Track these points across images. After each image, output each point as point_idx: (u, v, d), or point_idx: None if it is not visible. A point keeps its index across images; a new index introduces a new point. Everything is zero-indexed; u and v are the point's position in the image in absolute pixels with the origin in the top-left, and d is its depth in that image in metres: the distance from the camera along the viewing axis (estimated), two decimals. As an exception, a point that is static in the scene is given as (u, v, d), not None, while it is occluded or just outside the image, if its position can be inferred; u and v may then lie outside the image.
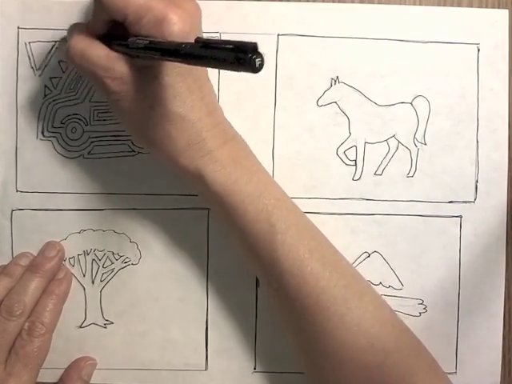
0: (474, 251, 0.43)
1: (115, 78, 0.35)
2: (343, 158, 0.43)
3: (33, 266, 0.41)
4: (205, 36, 0.42)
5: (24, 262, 0.41)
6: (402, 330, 0.38)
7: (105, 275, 0.43)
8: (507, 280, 0.43)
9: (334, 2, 0.43)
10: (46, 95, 0.42)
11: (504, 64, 0.43)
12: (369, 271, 0.42)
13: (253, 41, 0.26)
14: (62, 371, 0.42)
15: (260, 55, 0.26)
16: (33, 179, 0.43)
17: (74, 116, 0.43)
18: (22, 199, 0.43)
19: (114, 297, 0.43)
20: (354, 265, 0.43)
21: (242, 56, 0.26)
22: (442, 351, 0.42)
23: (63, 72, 0.42)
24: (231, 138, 0.38)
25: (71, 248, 0.43)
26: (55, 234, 0.43)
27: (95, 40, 0.36)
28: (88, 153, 0.43)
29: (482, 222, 0.43)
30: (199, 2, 0.42)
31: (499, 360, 0.43)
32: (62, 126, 0.43)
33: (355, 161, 0.43)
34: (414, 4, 0.43)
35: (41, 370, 0.40)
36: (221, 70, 0.42)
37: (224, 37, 0.42)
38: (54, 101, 0.42)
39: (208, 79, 0.38)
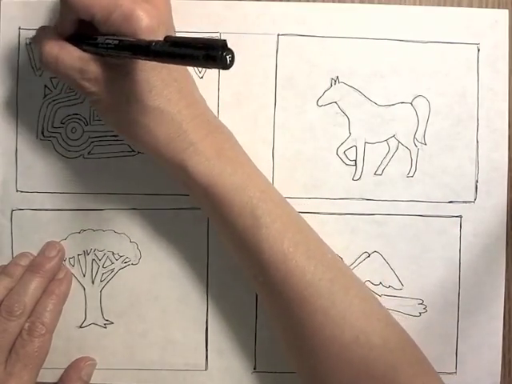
0: (474, 251, 0.43)
1: (90, 79, 0.35)
2: (343, 158, 0.43)
3: (33, 266, 0.41)
4: (205, 36, 0.42)
5: (24, 261, 0.41)
6: (388, 324, 0.37)
7: (105, 275, 0.43)
8: (507, 280, 0.43)
9: (334, 1, 0.43)
10: (46, 95, 0.42)
11: (504, 64, 0.43)
12: (369, 271, 0.42)
13: (222, 38, 0.26)
14: (61, 371, 0.42)
15: (230, 51, 0.26)
16: (33, 179, 0.43)
17: (74, 116, 0.43)
18: (22, 199, 0.43)
19: (114, 297, 0.43)
20: (354, 265, 0.43)
21: (212, 53, 0.26)
22: (442, 351, 0.42)
23: (63, 72, 0.42)
24: (215, 128, 0.38)
25: (71, 248, 0.43)
26: (55, 234, 0.43)
27: (67, 43, 0.36)
28: (88, 153, 0.43)
29: (482, 221, 0.43)
30: (199, 3, 0.42)
31: (499, 360, 0.43)
32: (62, 125, 0.43)
33: (355, 161, 0.43)
34: (414, 4, 0.43)
35: (41, 370, 0.40)
36: (221, 71, 0.42)
37: (224, 37, 0.42)
38: (54, 101, 0.42)
39: (186, 70, 0.38)
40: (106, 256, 0.43)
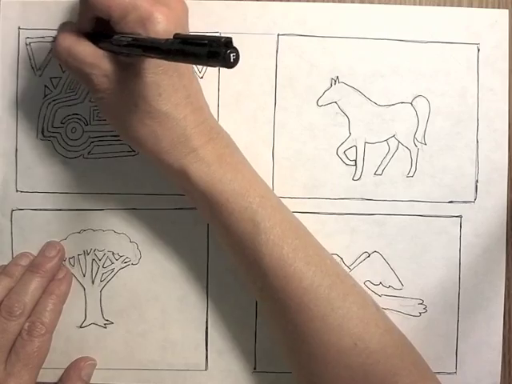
0: (474, 251, 0.43)
1: (101, 75, 0.35)
2: (343, 157, 0.43)
3: (33, 266, 0.41)
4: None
5: (24, 261, 0.41)
6: (386, 330, 0.37)
7: (105, 275, 0.43)
8: (507, 280, 0.43)
9: (334, 1, 0.43)
10: (46, 95, 0.42)
11: (504, 64, 0.43)
12: (369, 271, 0.42)
13: (228, 36, 0.26)
14: (62, 371, 0.42)
15: (235, 50, 0.26)
16: (33, 179, 0.43)
17: (73, 116, 0.43)
18: (22, 199, 0.43)
19: (114, 297, 0.43)
20: (354, 265, 0.43)
21: (216, 50, 0.26)
22: (442, 351, 0.42)
23: (63, 72, 0.42)
24: (216, 134, 0.38)
25: (71, 248, 0.43)
26: (55, 233, 0.43)
27: (82, 37, 0.36)
28: (88, 153, 0.43)
29: (482, 221, 0.43)
30: (199, 2, 0.42)
31: (499, 360, 0.43)
32: (62, 125, 0.43)
33: (355, 161, 0.43)
34: (414, 4, 0.43)
35: (41, 370, 0.40)
36: (221, 69, 0.42)
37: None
38: (54, 101, 0.42)
39: (194, 77, 0.38)
40: (105, 256, 0.43)
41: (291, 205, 0.42)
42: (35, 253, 0.42)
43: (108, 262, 0.43)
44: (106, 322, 0.43)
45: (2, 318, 0.38)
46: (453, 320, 0.42)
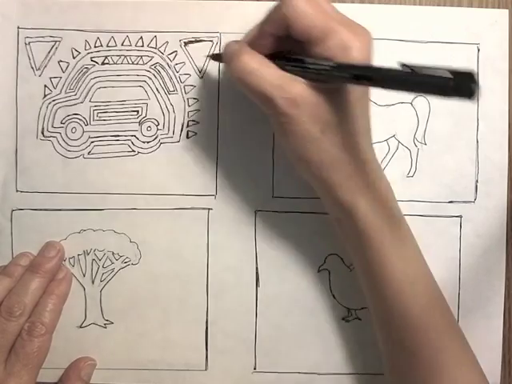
0: (474, 251, 0.43)
1: (289, 99, 0.33)
2: (343, 157, 0.43)
3: (33, 267, 0.41)
4: (204, 36, 0.42)
5: (24, 262, 0.41)
6: None
7: (105, 275, 0.43)
8: (507, 280, 0.43)
9: (333, 1, 0.43)
10: (45, 95, 0.42)
11: (504, 64, 0.43)
12: (369, 271, 0.42)
13: (469, 69, 0.26)
14: (62, 371, 0.42)
15: (477, 83, 0.26)
16: (33, 179, 0.43)
17: (74, 116, 0.43)
18: (22, 199, 0.43)
19: (114, 297, 0.43)
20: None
21: (461, 85, 0.26)
22: (442, 351, 0.42)
23: (63, 72, 0.42)
24: (382, 174, 0.37)
25: (71, 248, 0.43)
26: (55, 234, 0.43)
27: (265, 59, 0.35)
28: (88, 153, 0.43)
29: (483, 222, 0.43)
30: (199, 2, 0.42)
31: (499, 360, 0.43)
32: (62, 125, 0.43)
33: (355, 161, 0.43)
34: (414, 4, 0.43)
35: (41, 370, 0.40)
36: (221, 69, 0.42)
37: (224, 37, 0.42)
38: (53, 101, 0.42)
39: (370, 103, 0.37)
40: (105, 256, 0.43)
41: (291, 205, 0.42)
42: (35, 253, 0.42)
43: (108, 262, 0.43)
44: (106, 322, 0.43)
45: (1, 319, 0.38)
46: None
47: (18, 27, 0.42)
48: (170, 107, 0.42)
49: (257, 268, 0.43)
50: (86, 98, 0.42)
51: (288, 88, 0.33)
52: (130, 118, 0.42)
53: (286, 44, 0.35)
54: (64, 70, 0.42)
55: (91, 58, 0.42)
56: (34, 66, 0.42)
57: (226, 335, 0.43)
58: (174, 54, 0.42)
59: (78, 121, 0.43)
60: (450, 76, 0.26)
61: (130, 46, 0.42)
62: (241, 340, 0.43)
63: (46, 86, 0.42)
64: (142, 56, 0.42)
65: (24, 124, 0.42)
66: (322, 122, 0.34)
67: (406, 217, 0.41)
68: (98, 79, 0.42)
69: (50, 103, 0.42)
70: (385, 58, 0.42)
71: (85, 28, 0.42)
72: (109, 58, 0.42)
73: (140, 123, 0.42)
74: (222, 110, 0.42)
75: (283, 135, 0.35)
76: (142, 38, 0.42)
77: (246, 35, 0.37)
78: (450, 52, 0.42)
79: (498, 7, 0.43)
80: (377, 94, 0.42)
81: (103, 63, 0.42)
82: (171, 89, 0.42)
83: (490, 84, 0.42)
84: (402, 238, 0.37)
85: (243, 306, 0.43)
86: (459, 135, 0.43)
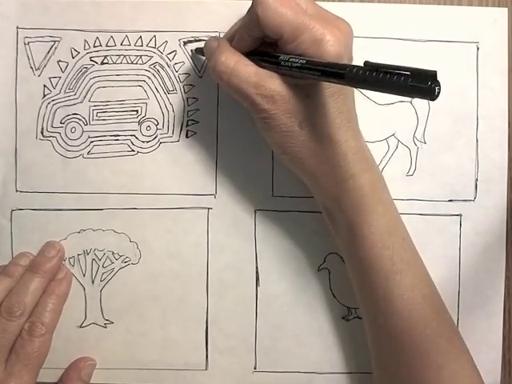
0: (473, 250, 0.43)
1: (265, 96, 0.35)
2: (343, 157, 0.43)
3: (33, 267, 0.41)
4: (203, 35, 0.42)
5: (24, 261, 0.41)
6: None
7: (105, 275, 0.43)
8: (507, 278, 0.43)
9: (333, 1, 0.43)
10: (45, 95, 0.42)
11: (503, 62, 0.43)
12: (369, 270, 0.42)
13: (431, 68, 0.26)
14: (62, 371, 0.42)
15: (439, 83, 0.27)
16: (33, 179, 0.43)
17: (73, 116, 0.43)
18: (22, 199, 0.43)
19: (114, 297, 0.43)
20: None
21: (420, 84, 0.26)
22: (443, 350, 0.42)
23: (62, 72, 0.42)
24: (371, 165, 0.38)
25: (71, 248, 0.43)
26: (55, 234, 0.43)
27: (243, 57, 0.36)
28: (88, 153, 0.43)
29: (482, 220, 0.43)
30: (199, 2, 0.42)
31: (499, 359, 0.43)
32: (62, 125, 0.43)
33: (355, 160, 0.43)
34: (414, 3, 0.43)
35: (41, 370, 0.40)
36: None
37: (222, 36, 0.42)
38: (53, 101, 0.42)
39: (354, 99, 0.37)
40: (105, 256, 0.43)
41: (291, 204, 0.42)
42: (35, 253, 0.42)
43: (108, 262, 0.43)
44: (106, 322, 0.43)
45: (2, 319, 0.38)
46: (453, 319, 0.42)
47: (17, 27, 0.42)
48: (169, 107, 0.42)
49: (257, 267, 0.43)
50: (85, 97, 0.42)
51: (264, 84, 0.34)
52: (129, 118, 0.42)
53: (266, 42, 0.36)
54: (63, 69, 0.42)
55: (90, 57, 0.42)
56: (33, 65, 0.42)
57: (225, 335, 0.43)
58: (173, 54, 0.42)
59: (77, 121, 0.43)
60: (410, 75, 0.27)
61: (130, 45, 0.42)
62: (241, 340, 0.43)
63: (45, 85, 0.42)
64: (141, 56, 0.42)
65: (23, 124, 0.42)
66: (299, 117, 0.35)
67: (405, 215, 0.41)
68: (97, 79, 0.42)
69: (49, 103, 0.42)
70: (385, 57, 0.42)
71: (84, 28, 0.42)
72: (108, 57, 0.42)
73: (139, 123, 0.42)
74: (222, 109, 0.42)
75: (264, 130, 0.37)
76: (141, 37, 0.42)
77: (228, 32, 0.39)
78: (450, 51, 0.42)
79: (498, 6, 0.43)
80: (376, 92, 0.42)
81: (102, 63, 0.42)
82: (170, 88, 0.42)
83: (489, 83, 0.42)
84: (391, 225, 0.37)
85: (243, 306, 0.43)
86: (459, 134, 0.43)
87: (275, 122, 0.35)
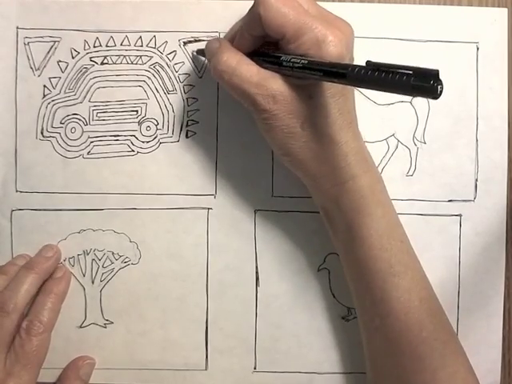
0: (473, 250, 0.43)
1: (266, 96, 0.34)
2: (343, 157, 0.43)
3: (28, 264, 0.41)
4: (203, 35, 0.42)
5: (21, 262, 0.41)
6: None
7: (105, 275, 0.43)
8: (507, 279, 0.43)
9: (333, 1, 0.43)
10: (45, 95, 0.42)
11: (503, 63, 0.43)
12: (369, 270, 0.42)
13: (432, 68, 0.26)
14: (61, 371, 0.42)
15: (441, 82, 0.26)
16: (33, 179, 0.43)
17: (73, 116, 0.43)
18: (22, 199, 0.43)
19: (114, 297, 0.43)
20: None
21: (423, 83, 0.26)
22: (442, 350, 0.42)
23: (62, 72, 0.42)
24: (371, 167, 0.38)
25: (71, 248, 0.43)
26: (55, 234, 0.43)
27: (244, 57, 0.36)
28: (88, 153, 0.43)
29: (482, 220, 0.43)
30: (199, 2, 0.42)
31: (499, 359, 0.43)
32: (62, 126, 0.43)
33: (355, 160, 0.43)
34: (414, 3, 0.43)
35: (41, 370, 0.40)
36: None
37: (223, 36, 0.42)
38: (53, 101, 0.42)
39: (354, 100, 0.37)
40: (105, 256, 0.43)
41: (291, 204, 0.42)
42: (35, 253, 0.42)
43: (108, 262, 0.43)
44: (106, 322, 0.43)
45: None
46: (452, 319, 0.42)
47: (17, 27, 0.42)
48: (169, 107, 0.42)
49: (256, 267, 0.43)
50: (85, 98, 0.42)
51: (266, 84, 0.34)
52: (129, 118, 0.42)
53: (267, 41, 0.36)
54: (63, 70, 0.42)
55: (90, 58, 0.42)
56: (33, 66, 0.42)
57: (225, 335, 0.43)
58: (173, 54, 0.42)
59: (77, 121, 0.43)
60: (412, 74, 0.27)
61: (129, 45, 0.42)
62: (241, 340, 0.43)
63: (45, 86, 0.42)
64: (141, 56, 0.42)
65: (23, 124, 0.42)
66: (300, 117, 0.35)
67: (405, 216, 0.41)
68: (97, 79, 0.42)
69: (49, 103, 0.42)
70: (385, 57, 0.42)
71: (84, 28, 0.42)
72: (108, 57, 0.42)
73: (139, 123, 0.42)
74: (222, 109, 0.42)
75: (266, 131, 0.36)
76: (141, 37, 0.42)
77: (229, 32, 0.38)
78: (450, 51, 0.42)
79: (498, 6, 0.43)
80: (376, 92, 0.42)
81: (102, 63, 0.42)
82: (170, 88, 0.42)
83: (489, 83, 0.42)
84: (390, 226, 0.37)
85: (243, 306, 0.43)
86: (459, 134, 0.43)
87: (277, 123, 0.35)
